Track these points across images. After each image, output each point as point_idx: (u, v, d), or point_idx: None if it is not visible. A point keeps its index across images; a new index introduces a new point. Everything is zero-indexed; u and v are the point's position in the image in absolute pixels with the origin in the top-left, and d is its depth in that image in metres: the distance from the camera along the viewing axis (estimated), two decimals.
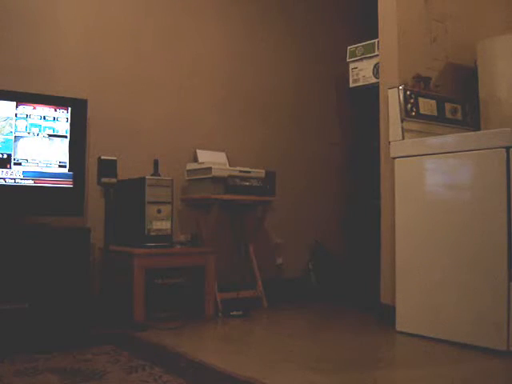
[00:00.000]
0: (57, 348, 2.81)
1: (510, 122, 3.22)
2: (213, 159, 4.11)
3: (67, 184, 3.38)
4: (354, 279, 4.34)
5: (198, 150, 4.16)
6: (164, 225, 3.62)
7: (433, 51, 3.63)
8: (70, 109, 3.40)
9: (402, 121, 3.34)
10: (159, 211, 3.59)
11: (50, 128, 3.33)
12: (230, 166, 4.17)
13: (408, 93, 3.37)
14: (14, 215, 3.22)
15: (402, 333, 3.24)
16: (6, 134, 3.21)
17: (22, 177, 3.23)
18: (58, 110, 3.37)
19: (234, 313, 3.77)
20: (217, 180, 3.87)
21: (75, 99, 3.45)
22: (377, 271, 3.53)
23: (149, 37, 4.11)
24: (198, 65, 4.33)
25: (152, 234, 3.57)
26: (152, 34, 4.13)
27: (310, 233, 4.79)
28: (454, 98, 3.60)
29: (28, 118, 3.28)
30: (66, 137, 3.39)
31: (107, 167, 3.51)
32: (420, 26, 3.57)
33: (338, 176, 5.02)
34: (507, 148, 2.77)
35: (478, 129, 3.56)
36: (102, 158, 3.52)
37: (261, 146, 4.60)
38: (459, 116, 3.59)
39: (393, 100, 3.39)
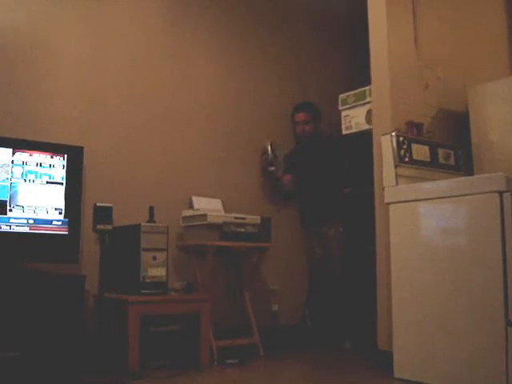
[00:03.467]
0: None
1: (503, 167, 3.25)
2: (208, 206, 4.12)
3: (62, 231, 3.38)
4: (351, 324, 4.31)
5: (193, 197, 4.17)
6: (159, 272, 3.60)
7: (425, 98, 3.69)
8: (66, 156, 3.43)
9: (395, 167, 3.36)
10: (154, 258, 3.58)
11: (46, 175, 3.35)
12: (225, 212, 4.17)
13: (401, 139, 3.40)
14: (8, 261, 3.20)
15: (400, 380, 3.19)
16: (2, 181, 3.22)
17: (17, 223, 3.23)
18: (54, 156, 3.39)
19: (230, 361, 3.72)
20: (212, 227, 3.88)
21: (71, 146, 3.48)
22: (374, 316, 3.51)
23: (145, 84, 4.17)
24: (194, 113, 4.38)
25: (147, 281, 3.54)
26: (148, 80, 4.19)
27: (306, 278, 4.77)
28: (446, 144, 3.64)
29: (24, 165, 3.30)
30: (61, 183, 3.41)
31: (103, 214, 3.51)
32: (412, 73, 3.64)
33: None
34: (500, 192, 2.79)
35: (471, 173, 3.59)
36: (98, 204, 3.52)
37: (256, 193, 4.63)
38: (452, 161, 3.62)
39: (386, 146, 3.42)
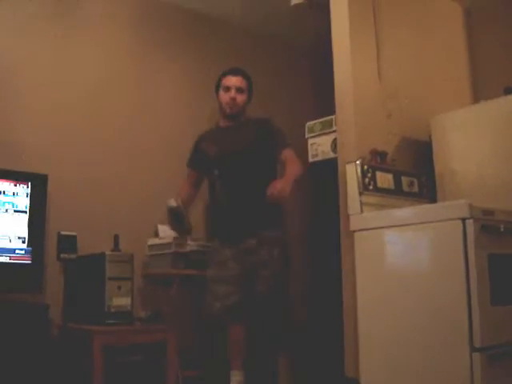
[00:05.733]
0: None
1: (465, 194, 3.31)
2: (174, 234, 4.10)
3: (26, 260, 3.33)
4: (317, 352, 4.29)
5: (159, 225, 4.15)
6: (124, 301, 3.56)
7: (388, 127, 3.74)
8: (30, 184, 3.40)
9: (360, 194, 3.39)
10: (119, 287, 3.54)
11: (9, 203, 3.32)
12: (191, 240, 4.15)
13: (365, 167, 3.43)
14: None
15: None
16: None
17: None
18: (18, 184, 3.36)
19: None
20: (178, 255, 3.86)
21: (35, 174, 3.45)
22: (340, 344, 3.51)
23: (110, 112, 4.17)
24: (161, 141, 4.38)
25: (112, 310, 3.49)
26: (113, 109, 4.19)
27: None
28: (410, 172, 3.69)
29: None
30: (25, 212, 3.37)
31: (67, 242, 3.48)
32: (375, 102, 3.69)
33: (297, 250, 5.02)
34: (463, 219, 2.83)
35: (435, 201, 3.64)
36: (62, 233, 3.49)
37: None
38: (416, 189, 3.67)
39: (351, 174, 3.45)
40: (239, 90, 3.56)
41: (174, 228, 3.52)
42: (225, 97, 3.56)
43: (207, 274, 3.50)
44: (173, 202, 3.34)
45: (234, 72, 3.62)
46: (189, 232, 3.59)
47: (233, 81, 3.58)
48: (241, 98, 3.56)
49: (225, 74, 3.63)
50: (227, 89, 3.56)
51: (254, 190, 3.33)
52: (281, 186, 3.15)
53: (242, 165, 3.43)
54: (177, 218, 3.38)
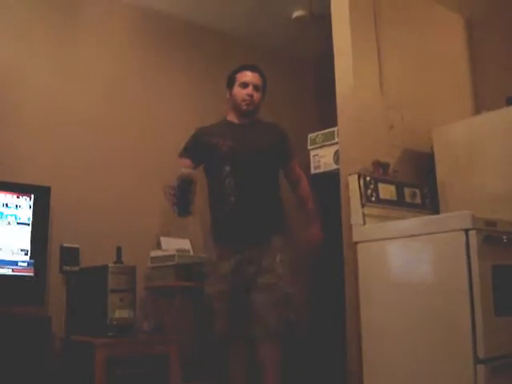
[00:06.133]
0: None
1: (468, 205, 3.30)
2: (177, 246, 4.10)
3: (28, 272, 3.33)
4: (321, 366, 4.27)
5: (161, 237, 4.15)
6: (127, 313, 3.56)
7: (390, 138, 3.74)
8: (32, 196, 3.40)
9: (362, 206, 3.38)
10: (122, 299, 3.54)
11: (12, 215, 3.32)
12: (194, 253, 4.15)
13: (368, 179, 3.43)
14: None
15: None
16: None
17: None
18: (20, 197, 3.37)
19: None
20: (180, 267, 3.86)
21: (38, 186, 3.46)
22: (343, 354, 3.49)
23: (114, 123, 4.19)
24: (164, 153, 4.37)
25: (114, 322, 3.49)
26: (118, 120, 4.21)
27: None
28: (412, 183, 3.68)
29: None
30: (28, 224, 3.37)
31: (69, 255, 3.48)
32: (377, 114, 3.69)
33: (301, 262, 5.01)
34: (466, 230, 2.82)
35: (437, 212, 3.63)
36: (65, 245, 3.50)
37: None
38: (418, 200, 3.66)
39: (353, 186, 3.45)
40: (256, 87, 3.37)
41: (178, 203, 3.04)
42: (241, 93, 3.32)
43: (207, 290, 3.23)
44: (186, 170, 3.05)
45: (252, 68, 3.41)
46: (190, 212, 3.12)
47: (251, 77, 3.36)
48: (257, 96, 3.37)
49: (241, 69, 3.39)
50: (244, 85, 3.33)
51: (265, 191, 3.22)
52: (317, 233, 3.40)
53: (257, 164, 3.23)
54: (185, 192, 3.00)
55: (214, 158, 3.26)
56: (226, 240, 3.22)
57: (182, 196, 3.00)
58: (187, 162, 3.29)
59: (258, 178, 3.22)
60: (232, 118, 3.40)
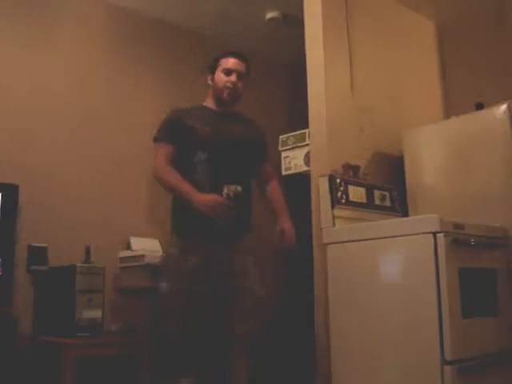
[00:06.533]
0: None
1: (436, 208, 3.35)
2: (146, 246, 4.08)
3: None
4: (291, 369, 4.28)
5: (131, 238, 4.12)
6: (95, 314, 3.53)
7: (361, 141, 3.76)
8: (0, 194, 3.35)
9: (332, 208, 3.40)
10: (90, 300, 3.51)
11: None
12: (163, 253, 4.13)
13: (338, 181, 3.45)
14: None
15: None
16: None
17: None
18: None
19: None
20: (149, 268, 3.83)
21: (6, 184, 3.42)
22: (313, 355, 3.50)
23: (83, 122, 4.14)
24: (134, 152, 4.35)
25: (83, 323, 3.46)
26: (87, 119, 4.16)
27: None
28: (382, 185, 3.71)
29: None
30: None
31: (37, 254, 3.45)
32: (348, 116, 3.71)
33: (271, 264, 5.02)
34: (434, 233, 2.86)
35: (406, 215, 3.67)
36: (33, 244, 3.46)
37: None
38: (388, 202, 3.69)
39: (323, 188, 3.46)
40: (240, 75, 3.09)
41: (228, 218, 2.76)
42: (224, 80, 3.05)
43: (165, 288, 2.94)
44: (239, 187, 2.78)
45: (238, 55, 3.12)
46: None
47: (235, 64, 3.08)
48: (241, 85, 3.09)
49: (226, 55, 3.12)
50: (229, 72, 3.06)
51: (240, 186, 2.86)
52: (290, 228, 3.07)
53: (235, 156, 2.97)
54: (237, 207, 2.77)
55: (188, 143, 2.96)
56: (194, 235, 2.90)
57: (231, 212, 2.77)
58: (169, 148, 2.99)
59: (234, 171, 2.94)
60: (210, 104, 3.14)
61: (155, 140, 3.05)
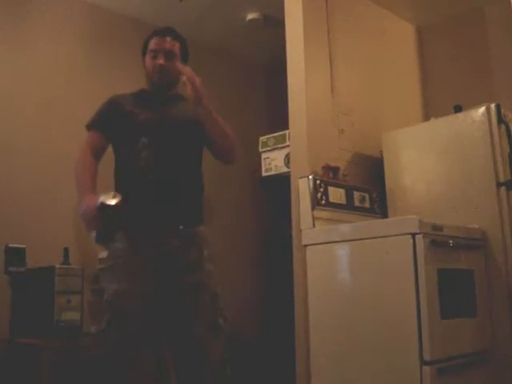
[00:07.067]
0: None
1: (415, 210, 3.37)
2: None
3: None
4: (272, 368, 4.28)
5: None
6: (74, 316, 3.50)
7: (341, 142, 3.78)
8: None
9: (312, 209, 3.41)
10: (69, 301, 3.48)
11: None
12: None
13: (318, 182, 3.46)
14: None
15: None
16: None
17: None
18: None
19: None
20: None
21: None
22: (292, 356, 3.50)
23: (62, 124, 4.11)
24: (109, 149, 4.32)
25: (61, 325, 3.43)
26: (66, 121, 4.13)
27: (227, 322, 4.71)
28: (362, 187, 3.73)
29: None
30: None
31: (15, 255, 3.41)
32: (328, 118, 3.73)
33: (252, 265, 5.02)
34: (413, 234, 2.88)
35: (386, 216, 3.69)
36: (10, 245, 3.42)
37: None
38: (367, 204, 3.71)
39: (303, 189, 3.47)
40: (169, 54, 2.78)
41: (101, 236, 2.53)
42: (151, 63, 2.78)
43: (112, 287, 2.66)
44: (112, 199, 2.42)
45: (163, 33, 2.83)
46: (113, 241, 2.58)
47: (159, 44, 2.79)
48: (171, 64, 2.75)
49: (151, 36, 2.84)
50: (154, 53, 2.78)
51: (187, 173, 2.70)
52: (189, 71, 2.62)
53: (178, 140, 2.71)
54: (108, 221, 2.44)
55: (128, 129, 2.73)
56: (141, 227, 2.61)
57: (105, 227, 2.48)
58: (97, 136, 2.81)
59: (179, 156, 2.70)
60: (149, 88, 2.88)
61: (86, 128, 2.85)
